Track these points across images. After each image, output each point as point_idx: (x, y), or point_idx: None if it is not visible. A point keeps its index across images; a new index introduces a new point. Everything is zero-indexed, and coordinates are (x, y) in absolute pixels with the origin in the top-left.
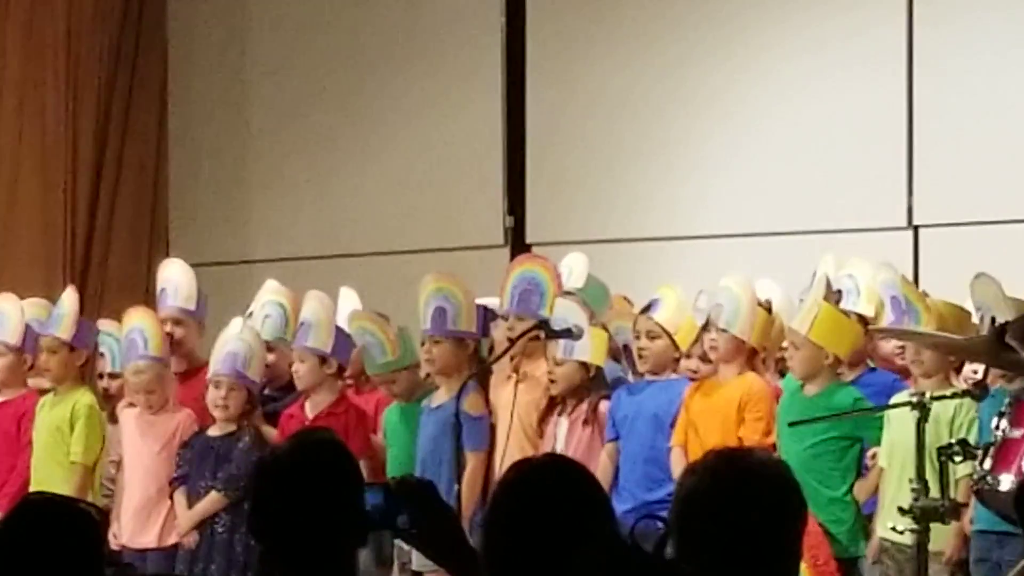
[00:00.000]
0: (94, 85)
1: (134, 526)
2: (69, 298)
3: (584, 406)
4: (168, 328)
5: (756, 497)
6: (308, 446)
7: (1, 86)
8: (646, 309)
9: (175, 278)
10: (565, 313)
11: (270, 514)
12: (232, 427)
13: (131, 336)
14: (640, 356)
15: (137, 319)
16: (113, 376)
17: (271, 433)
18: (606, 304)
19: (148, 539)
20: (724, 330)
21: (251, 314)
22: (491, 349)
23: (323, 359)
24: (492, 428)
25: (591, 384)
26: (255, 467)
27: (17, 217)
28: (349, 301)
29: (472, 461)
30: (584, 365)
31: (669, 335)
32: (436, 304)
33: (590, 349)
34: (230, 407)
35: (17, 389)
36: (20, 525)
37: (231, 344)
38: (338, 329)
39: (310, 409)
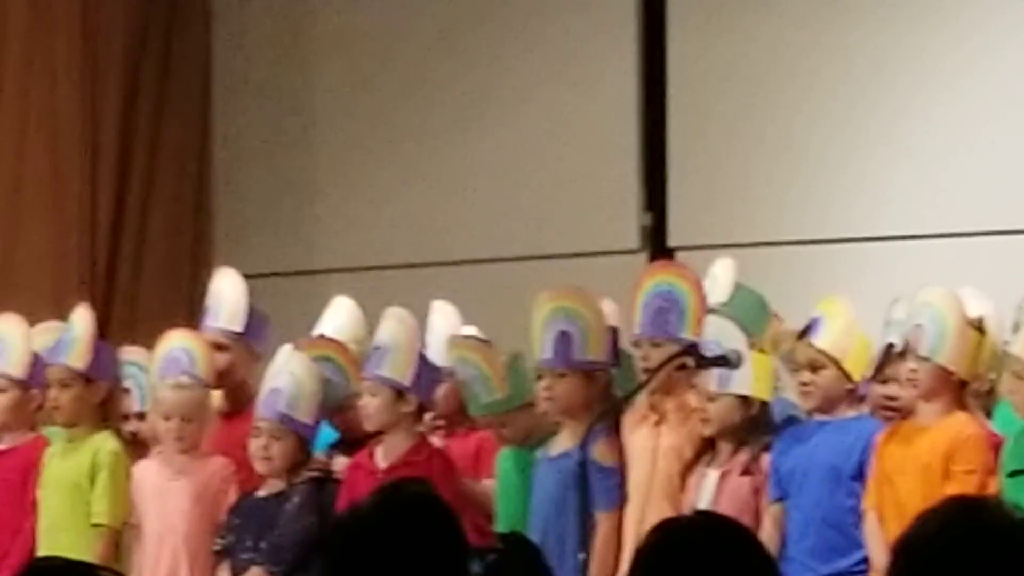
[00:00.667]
0: (118, 64)
1: None
2: (82, 318)
3: (742, 455)
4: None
5: (1002, 565)
6: (398, 502)
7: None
8: (804, 332)
9: (223, 292)
10: (719, 334)
11: None
12: (282, 485)
13: (173, 354)
14: (803, 392)
15: (180, 339)
16: (142, 417)
17: None
18: (764, 322)
19: None
20: (926, 359)
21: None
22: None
23: (399, 393)
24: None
25: (753, 425)
26: (333, 530)
27: (22, 225)
28: (445, 319)
29: (603, 523)
30: (745, 400)
31: (837, 363)
32: (558, 328)
33: (752, 380)
34: (274, 459)
35: (23, 434)
36: None
37: (275, 379)
38: (421, 357)
39: (382, 457)
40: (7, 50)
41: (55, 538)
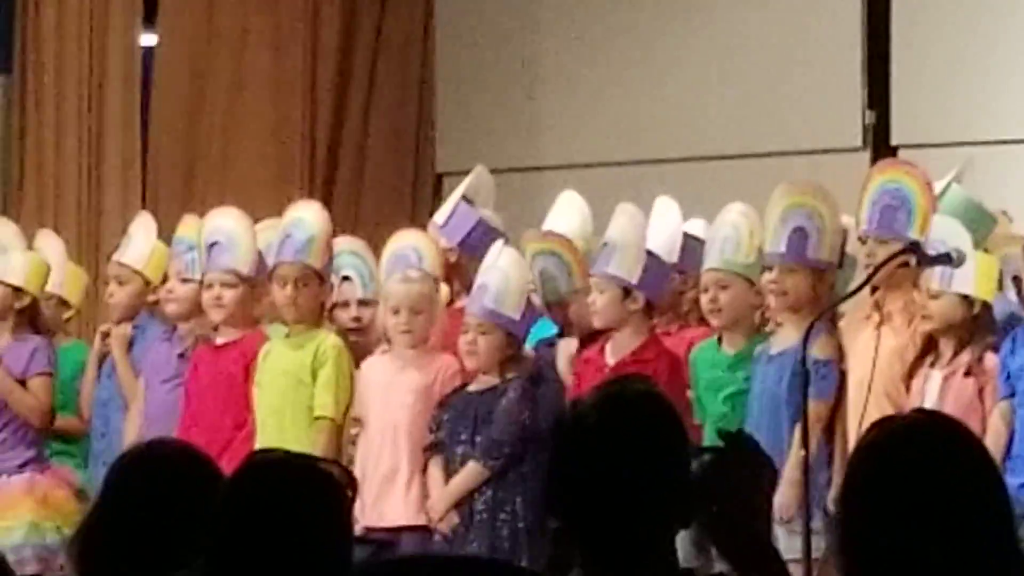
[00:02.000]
0: None
1: (382, 500)
2: (317, 217)
3: (965, 355)
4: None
5: None
6: (622, 399)
7: None
8: None
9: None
10: (943, 233)
11: (572, 486)
12: (494, 380)
13: (401, 252)
14: None
15: (408, 238)
16: (364, 303)
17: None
18: (977, 224)
19: (398, 515)
20: None
21: None
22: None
23: (627, 291)
24: (843, 376)
25: (975, 326)
26: (555, 425)
27: (243, 127)
28: (667, 215)
29: (810, 413)
30: (967, 300)
31: None
32: (795, 223)
33: (974, 279)
34: (480, 354)
35: (243, 328)
36: (247, 490)
37: (484, 275)
38: (649, 254)
39: (611, 352)
40: None
41: (275, 431)
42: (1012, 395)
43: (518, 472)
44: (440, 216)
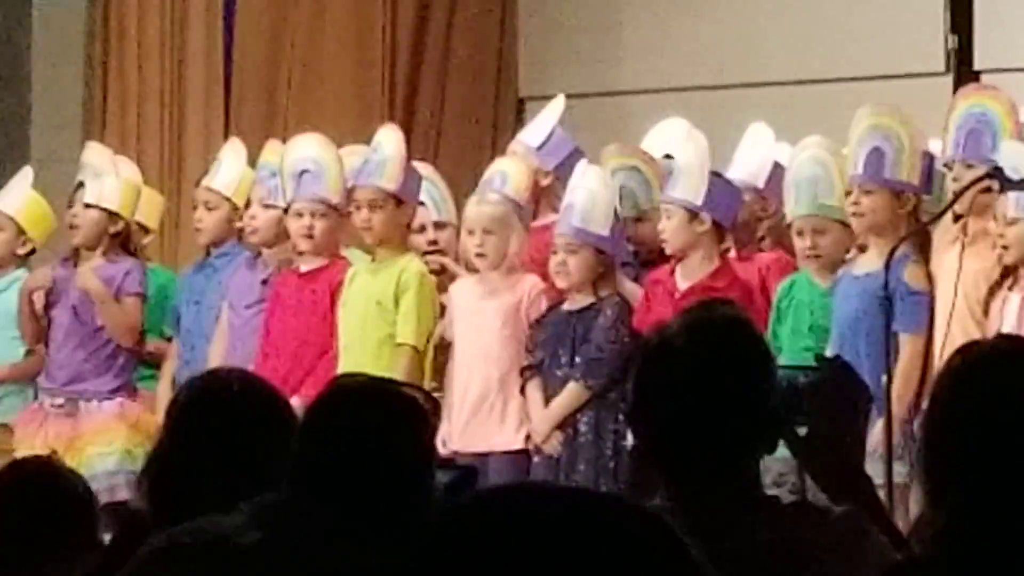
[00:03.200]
0: None
1: (470, 425)
2: (390, 138)
3: None
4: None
5: None
6: (709, 323)
7: None
8: None
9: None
10: (1019, 158)
11: (657, 408)
12: (589, 298)
13: (489, 177)
14: None
15: (499, 163)
16: (440, 226)
17: None
18: None
19: (488, 441)
20: None
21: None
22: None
23: (693, 214)
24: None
25: None
26: (641, 351)
27: (324, 56)
28: (760, 139)
29: (908, 346)
30: None
31: None
32: (872, 144)
33: None
34: (572, 273)
35: (327, 256)
36: (330, 414)
37: (570, 196)
38: (714, 176)
39: (681, 276)
40: None
41: (357, 356)
42: None
43: (620, 391)
44: (534, 139)
